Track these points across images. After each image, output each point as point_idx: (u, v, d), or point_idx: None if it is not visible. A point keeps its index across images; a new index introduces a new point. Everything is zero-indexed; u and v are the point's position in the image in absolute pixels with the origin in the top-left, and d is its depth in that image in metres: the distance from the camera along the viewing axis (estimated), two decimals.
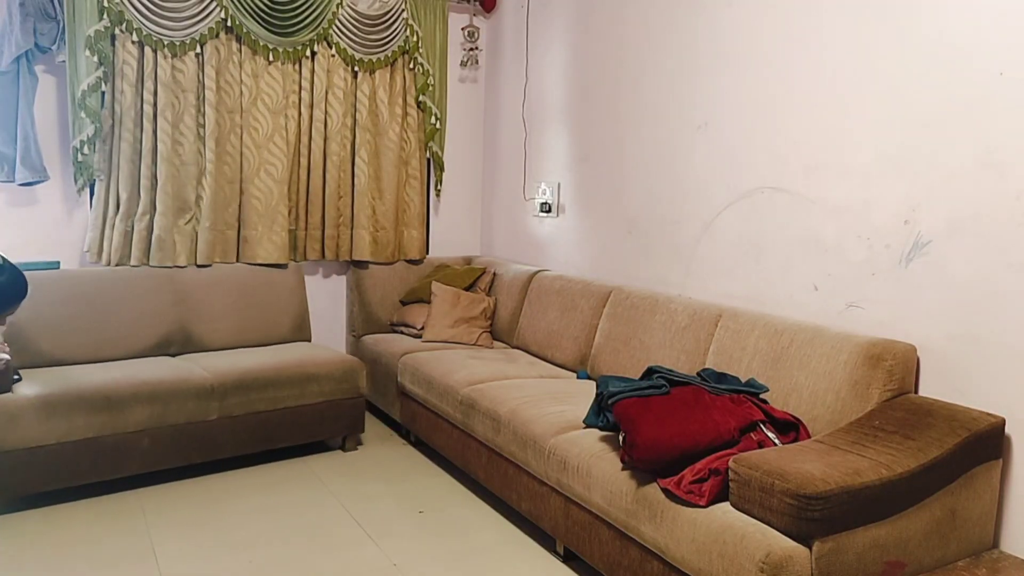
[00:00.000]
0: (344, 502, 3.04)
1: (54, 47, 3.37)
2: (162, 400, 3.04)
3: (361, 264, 4.32)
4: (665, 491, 2.09)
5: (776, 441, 2.17)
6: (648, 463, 2.14)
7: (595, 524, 2.39)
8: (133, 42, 3.51)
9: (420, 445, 3.69)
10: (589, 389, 2.87)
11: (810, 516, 1.78)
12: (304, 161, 4.07)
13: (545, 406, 2.84)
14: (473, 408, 3.05)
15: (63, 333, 3.27)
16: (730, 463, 1.99)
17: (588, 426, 2.54)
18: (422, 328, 4.02)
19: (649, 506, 2.12)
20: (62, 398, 2.85)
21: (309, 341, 3.97)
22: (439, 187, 4.57)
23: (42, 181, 3.41)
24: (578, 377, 3.39)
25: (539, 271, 4.01)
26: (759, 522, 1.89)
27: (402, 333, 4.17)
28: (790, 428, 2.26)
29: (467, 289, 4.21)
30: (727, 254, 3.04)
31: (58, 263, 3.49)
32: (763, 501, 1.87)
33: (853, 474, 1.86)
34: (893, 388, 2.27)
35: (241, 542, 2.68)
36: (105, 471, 2.95)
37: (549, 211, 4.12)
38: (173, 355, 3.53)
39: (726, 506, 1.99)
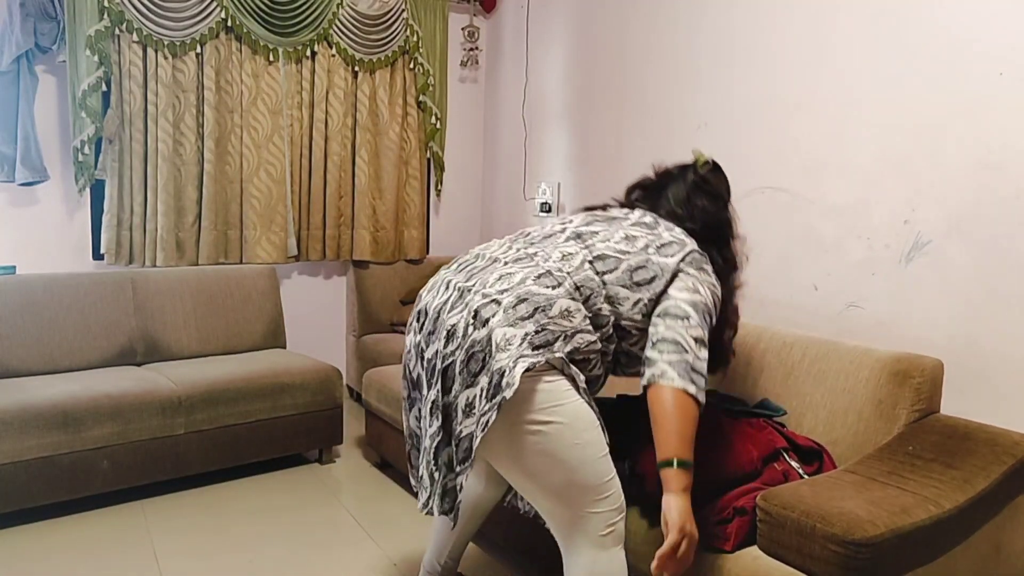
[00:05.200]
0: (344, 502, 3.04)
1: (54, 47, 3.37)
2: (124, 415, 2.84)
3: (361, 264, 4.33)
4: None
5: (801, 472, 1.95)
6: (660, 497, 1.93)
7: None
8: (135, 42, 3.52)
9: None
10: None
11: (857, 565, 1.57)
12: (304, 161, 4.08)
13: None
14: None
15: (16, 341, 3.07)
16: (759, 502, 1.74)
17: None
18: None
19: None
20: (15, 415, 2.65)
21: (284, 348, 3.82)
22: (439, 187, 4.57)
23: (42, 181, 3.41)
24: None
25: None
26: (796, 570, 1.66)
27: (402, 333, 4.17)
28: (813, 456, 2.04)
29: None
30: None
31: (14, 268, 3.34)
32: (801, 547, 1.64)
33: (901, 513, 1.64)
34: (921, 408, 2.07)
35: (242, 542, 2.68)
36: (61, 492, 2.75)
37: (549, 211, 4.12)
38: (138, 364, 3.35)
39: (754, 551, 1.75)
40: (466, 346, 1.63)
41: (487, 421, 1.58)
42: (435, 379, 1.68)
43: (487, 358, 1.60)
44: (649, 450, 1.93)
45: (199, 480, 3.13)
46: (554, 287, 1.67)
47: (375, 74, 4.21)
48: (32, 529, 2.72)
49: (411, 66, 4.33)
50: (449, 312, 1.71)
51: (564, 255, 1.76)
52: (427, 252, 4.59)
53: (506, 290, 1.67)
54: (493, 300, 1.65)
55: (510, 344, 1.59)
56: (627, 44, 3.55)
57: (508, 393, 1.55)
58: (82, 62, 3.36)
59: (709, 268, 1.83)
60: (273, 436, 3.25)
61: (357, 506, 3.01)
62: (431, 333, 1.75)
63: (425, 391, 1.72)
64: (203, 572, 2.48)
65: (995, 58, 2.16)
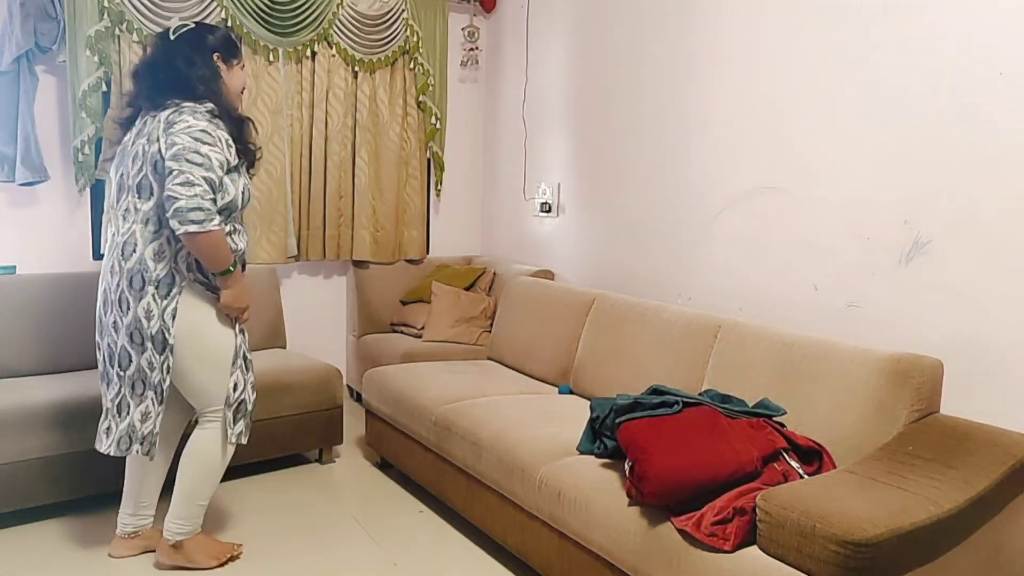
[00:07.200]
0: (344, 502, 3.04)
1: (54, 47, 3.37)
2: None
3: (362, 264, 4.33)
4: (682, 532, 1.83)
5: (801, 472, 1.95)
6: (661, 497, 1.90)
7: (595, 565, 2.11)
8: (135, 42, 3.52)
9: None
10: (576, 406, 2.75)
11: (857, 564, 1.57)
12: (304, 162, 4.08)
13: (532, 428, 2.54)
14: (449, 431, 2.74)
15: (16, 341, 3.07)
16: (759, 502, 1.74)
17: (582, 453, 2.33)
18: (422, 328, 4.02)
19: (663, 549, 1.86)
20: (15, 415, 2.66)
21: (284, 348, 3.80)
22: (439, 187, 4.57)
23: (42, 181, 3.41)
24: (560, 392, 3.14)
25: (514, 277, 3.91)
26: (796, 570, 1.66)
27: (402, 333, 4.17)
28: (813, 456, 2.03)
29: (467, 289, 4.21)
30: (726, 254, 3.04)
31: (14, 267, 3.34)
32: (801, 547, 1.64)
33: (900, 513, 1.64)
34: (921, 408, 2.06)
35: (241, 541, 2.68)
36: (61, 492, 2.75)
37: (549, 211, 4.12)
38: None
39: (755, 551, 1.74)
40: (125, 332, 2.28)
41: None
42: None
43: (142, 328, 2.25)
44: (650, 451, 1.96)
45: None
46: (133, 250, 2.24)
47: (375, 74, 4.21)
48: (32, 529, 2.72)
49: (411, 66, 4.33)
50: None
51: (129, 226, 2.26)
52: (427, 252, 4.59)
53: (118, 282, 2.27)
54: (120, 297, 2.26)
55: (151, 313, 2.24)
56: (627, 44, 3.55)
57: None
58: (82, 62, 3.36)
59: (183, 117, 2.19)
60: (273, 436, 3.23)
61: (357, 506, 3.01)
62: None
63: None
64: (202, 572, 2.48)
65: (995, 58, 2.16)
